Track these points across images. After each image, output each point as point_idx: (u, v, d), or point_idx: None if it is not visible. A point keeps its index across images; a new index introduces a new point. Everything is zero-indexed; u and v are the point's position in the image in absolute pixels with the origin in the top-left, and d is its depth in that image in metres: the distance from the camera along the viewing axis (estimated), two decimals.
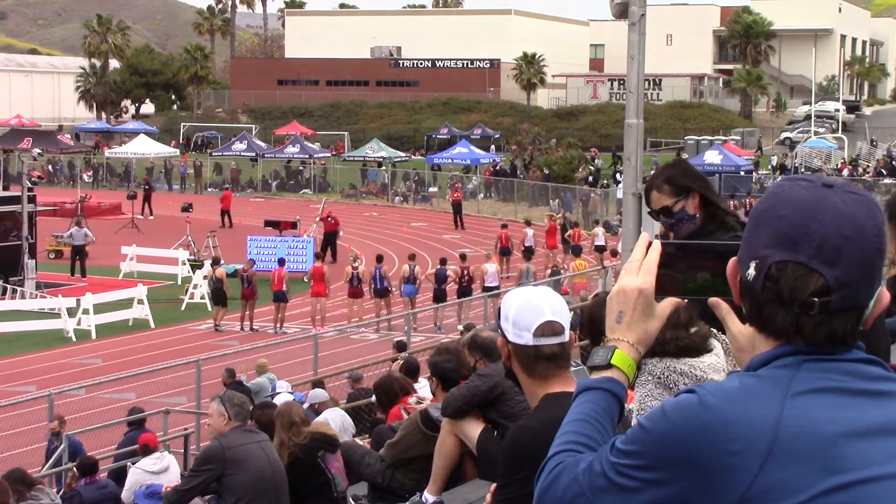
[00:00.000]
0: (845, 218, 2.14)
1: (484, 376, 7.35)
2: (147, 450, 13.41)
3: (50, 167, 70.10)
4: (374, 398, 12.46)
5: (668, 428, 2.16)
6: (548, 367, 3.84)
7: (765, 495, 2.08)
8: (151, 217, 53.57)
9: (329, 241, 41.91)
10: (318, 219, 43.27)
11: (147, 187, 57.52)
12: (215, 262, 33.33)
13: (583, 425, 2.38)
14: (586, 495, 2.23)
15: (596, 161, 69.74)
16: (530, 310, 3.85)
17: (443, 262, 33.31)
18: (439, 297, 31.78)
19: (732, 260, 2.31)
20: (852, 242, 2.14)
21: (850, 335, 2.18)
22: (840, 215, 2.14)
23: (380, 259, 33.36)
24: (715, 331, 4.52)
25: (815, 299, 2.13)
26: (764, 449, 2.08)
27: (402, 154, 73.23)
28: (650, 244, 2.48)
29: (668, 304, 2.49)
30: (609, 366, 2.45)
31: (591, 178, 61.93)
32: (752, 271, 2.19)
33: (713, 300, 2.44)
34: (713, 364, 4.38)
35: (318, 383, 17.79)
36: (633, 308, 2.45)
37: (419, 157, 78.41)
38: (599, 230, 41.78)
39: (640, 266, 2.47)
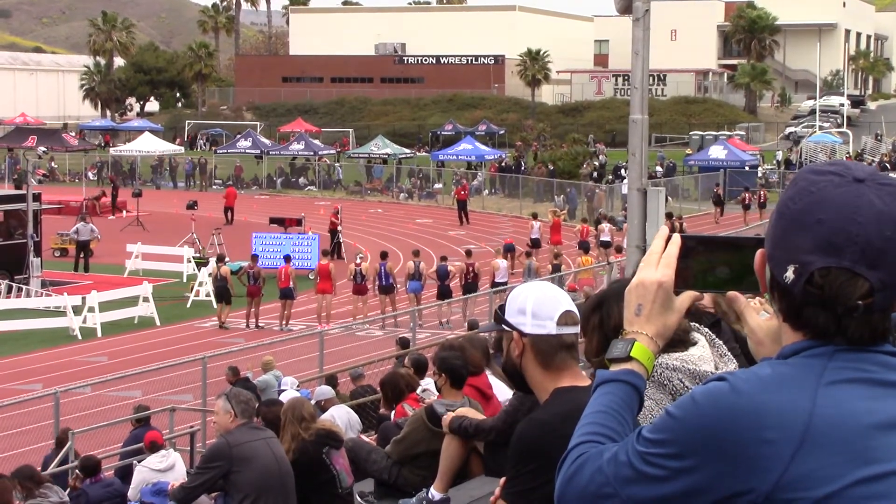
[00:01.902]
0: (885, 217, 2.12)
1: (523, 397, 7.22)
2: (154, 447, 13.41)
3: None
4: (379, 395, 12.45)
5: (699, 415, 2.14)
6: (565, 357, 3.87)
7: (797, 484, 2.07)
8: (112, 217, 51.34)
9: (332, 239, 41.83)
10: (340, 227, 42.95)
11: (113, 185, 56.80)
12: (220, 260, 33.33)
13: (604, 417, 2.37)
14: (612, 485, 2.21)
15: (600, 156, 69.69)
16: (549, 300, 3.88)
17: (443, 258, 33.30)
18: (444, 293, 31.75)
19: (760, 252, 2.30)
20: (893, 241, 2.12)
21: (887, 330, 2.18)
22: (880, 215, 2.12)
23: (384, 255, 33.31)
24: (695, 324, 4.52)
25: (860, 302, 2.12)
26: (797, 438, 2.07)
27: (408, 151, 73.20)
28: (669, 237, 2.47)
29: (687, 297, 2.48)
30: (628, 358, 2.44)
31: (595, 174, 61.91)
32: (790, 275, 2.16)
33: (731, 294, 2.43)
34: (702, 356, 4.38)
35: (330, 380, 17.78)
36: (653, 301, 2.44)
37: (424, 153, 78.42)
38: (605, 226, 41.72)
39: (659, 259, 2.45)
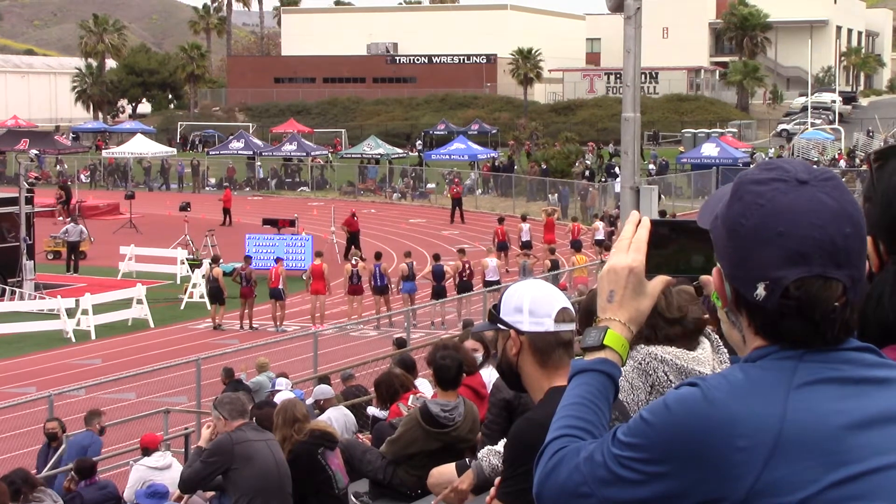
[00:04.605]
0: (840, 214, 2.13)
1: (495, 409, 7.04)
2: (147, 452, 13.41)
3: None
4: (372, 395, 12.43)
5: (671, 422, 2.14)
6: (562, 355, 3.84)
7: (771, 490, 2.07)
8: (60, 219, 48.73)
9: (353, 240, 41.61)
10: (333, 228, 42.92)
11: (65, 188, 54.77)
12: (214, 261, 33.31)
13: (580, 409, 2.37)
14: (589, 485, 2.21)
15: (588, 155, 69.55)
16: (546, 297, 3.85)
17: (437, 257, 33.19)
18: (439, 293, 31.64)
19: (717, 270, 2.27)
20: (853, 237, 2.13)
21: (855, 322, 2.18)
22: (835, 214, 2.12)
23: (378, 256, 33.27)
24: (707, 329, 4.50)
25: (837, 304, 2.12)
26: (769, 444, 2.07)
27: (400, 150, 73.15)
28: (640, 222, 2.46)
29: (659, 281, 2.48)
30: (602, 346, 2.44)
31: (587, 173, 61.86)
32: (761, 292, 2.14)
33: (704, 278, 2.42)
34: (699, 357, 4.35)
35: (323, 380, 17.74)
36: (624, 287, 2.44)
37: (416, 152, 78.34)
38: (600, 224, 41.70)
39: (629, 244, 2.45)
